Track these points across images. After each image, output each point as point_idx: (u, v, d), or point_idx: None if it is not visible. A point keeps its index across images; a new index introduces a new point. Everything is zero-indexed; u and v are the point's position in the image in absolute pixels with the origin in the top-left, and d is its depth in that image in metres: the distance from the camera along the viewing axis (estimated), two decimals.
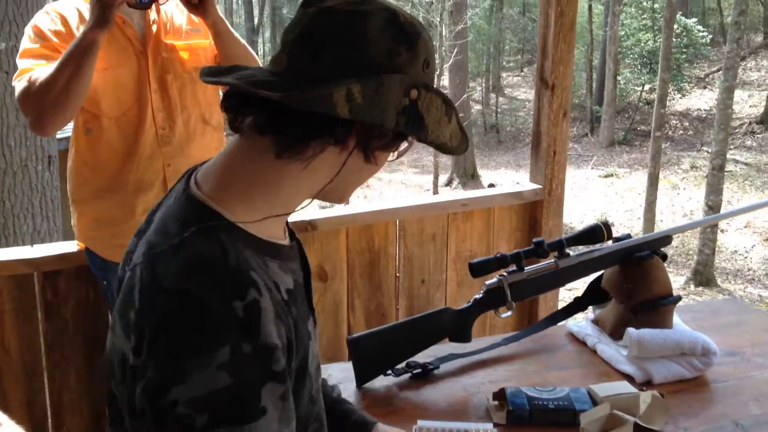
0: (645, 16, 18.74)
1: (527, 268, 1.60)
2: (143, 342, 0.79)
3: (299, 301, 0.93)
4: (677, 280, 10.92)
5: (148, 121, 1.91)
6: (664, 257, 1.64)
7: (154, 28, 1.92)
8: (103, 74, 1.85)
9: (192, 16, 1.97)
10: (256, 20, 26.22)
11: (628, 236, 1.65)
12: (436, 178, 15.38)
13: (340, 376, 1.55)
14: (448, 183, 18.08)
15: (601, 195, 15.68)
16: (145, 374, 0.78)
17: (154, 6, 1.90)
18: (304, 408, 0.94)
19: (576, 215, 14.36)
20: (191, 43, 1.97)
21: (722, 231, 12.72)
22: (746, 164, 15.54)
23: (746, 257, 12.20)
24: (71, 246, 2.12)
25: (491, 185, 17.56)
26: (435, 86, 0.91)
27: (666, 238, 1.63)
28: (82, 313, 2.15)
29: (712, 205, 10.30)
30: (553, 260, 1.61)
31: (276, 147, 0.86)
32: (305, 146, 0.85)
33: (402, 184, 18.57)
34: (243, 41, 2.00)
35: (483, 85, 22.66)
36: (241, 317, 0.78)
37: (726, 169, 13.86)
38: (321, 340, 2.39)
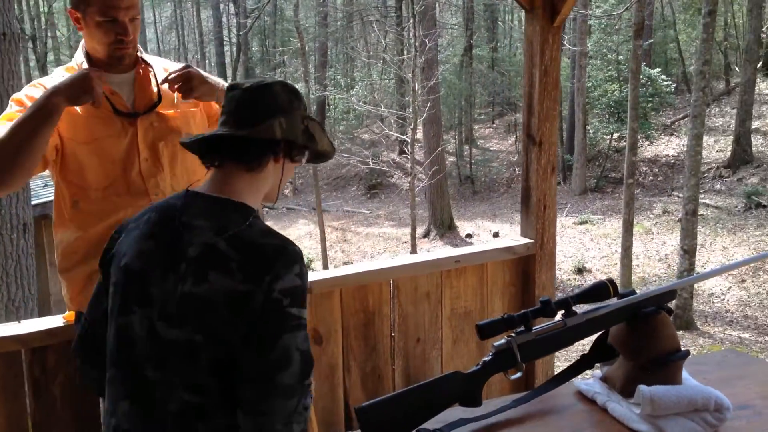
0: (610, 67, 19.29)
1: (535, 328, 1.58)
2: (254, 273, 1.31)
3: None
4: None
5: (139, 187, 1.88)
6: (670, 312, 1.64)
7: (142, 95, 1.92)
8: (89, 147, 1.84)
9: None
10: (229, 81, 26.46)
11: (633, 292, 1.65)
12: (413, 230, 15.40)
13: None
14: (426, 235, 18.13)
15: (576, 242, 15.81)
16: (262, 286, 1.31)
17: (138, 73, 1.91)
18: None
19: None
20: (183, 110, 1.97)
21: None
22: (717, 208, 15.82)
23: (723, 299, 12.32)
24: (59, 320, 2.06)
25: (468, 236, 17.63)
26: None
27: (671, 293, 1.63)
28: (71, 389, 2.07)
29: (688, 249, 10.42)
30: (560, 319, 1.59)
31: (246, 166, 1.43)
32: (261, 160, 1.43)
33: (379, 237, 18.57)
34: None
35: (456, 137, 22.98)
36: (300, 252, 1.39)
37: (698, 213, 14.12)
38: (316, 406, 2.33)
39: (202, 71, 1.93)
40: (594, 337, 1.73)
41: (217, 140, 1.42)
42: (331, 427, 2.45)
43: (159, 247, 1.38)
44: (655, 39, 21.06)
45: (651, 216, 16.52)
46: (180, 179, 1.95)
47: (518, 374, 1.57)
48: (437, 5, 20.89)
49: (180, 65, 2.00)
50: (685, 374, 1.67)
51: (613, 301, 1.63)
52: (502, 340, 1.57)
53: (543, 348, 1.58)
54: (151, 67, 1.95)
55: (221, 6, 27.36)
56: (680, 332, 10.65)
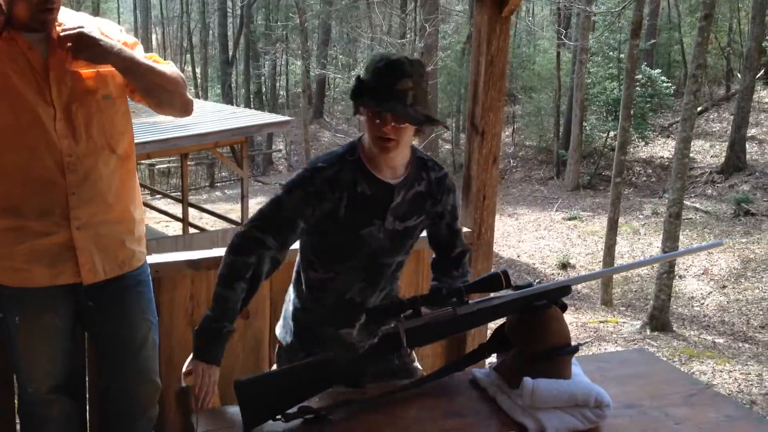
0: (611, 65, 19.19)
1: (425, 314, 1.59)
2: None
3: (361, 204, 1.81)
4: (634, 324, 11.00)
5: (52, 148, 1.85)
6: (564, 307, 1.64)
7: (56, 54, 1.86)
8: (1, 92, 1.80)
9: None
10: (230, 53, 26.32)
11: (530, 285, 1.65)
12: None
13: (227, 420, 1.52)
14: None
15: (564, 237, 15.83)
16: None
17: (55, 31, 1.85)
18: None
19: (538, 257, 14.48)
20: (99, 70, 1.92)
21: (680, 277, 12.89)
22: (706, 212, 15.83)
23: (702, 303, 12.36)
24: None
25: None
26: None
27: (565, 288, 1.64)
28: None
29: (668, 252, 10.43)
30: (451, 307, 1.59)
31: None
32: None
33: None
34: (154, 65, 1.95)
35: (453, 125, 22.90)
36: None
37: (686, 217, 14.10)
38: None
39: (96, 34, 1.85)
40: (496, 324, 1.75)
41: None
42: None
43: None
44: (660, 40, 20.95)
45: (640, 216, 16.54)
46: (97, 141, 1.92)
47: (405, 360, 1.58)
48: None
49: (91, 20, 1.96)
50: (577, 370, 1.68)
51: (509, 292, 1.63)
52: (390, 325, 1.57)
53: (431, 334, 1.59)
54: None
55: None
56: (655, 333, 10.70)
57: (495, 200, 2.67)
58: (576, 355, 1.68)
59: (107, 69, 1.92)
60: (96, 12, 18.13)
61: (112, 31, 1.98)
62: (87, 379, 2.21)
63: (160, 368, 2.14)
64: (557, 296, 1.63)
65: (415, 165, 1.86)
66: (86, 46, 1.80)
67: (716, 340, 10.90)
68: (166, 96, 1.99)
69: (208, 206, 15.85)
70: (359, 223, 1.80)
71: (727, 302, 12.25)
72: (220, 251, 2.41)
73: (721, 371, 8.33)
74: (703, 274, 13.22)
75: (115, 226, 1.96)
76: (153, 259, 2.22)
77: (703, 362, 8.72)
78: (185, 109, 2.07)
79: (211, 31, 29.06)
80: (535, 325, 1.60)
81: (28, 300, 1.89)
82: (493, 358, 1.79)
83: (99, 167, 1.91)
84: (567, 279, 1.67)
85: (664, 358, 8.67)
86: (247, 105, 24.16)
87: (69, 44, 1.80)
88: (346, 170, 1.79)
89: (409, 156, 1.84)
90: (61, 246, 1.88)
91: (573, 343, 1.64)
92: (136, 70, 1.90)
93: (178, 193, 14.38)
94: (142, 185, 14.80)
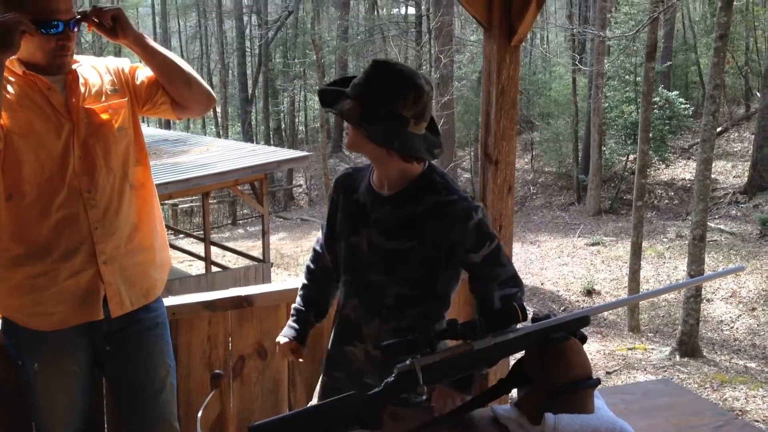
0: (628, 88, 19.15)
1: (441, 350, 1.56)
2: None
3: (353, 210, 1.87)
4: (663, 350, 10.79)
5: (73, 186, 1.89)
6: (583, 339, 1.61)
7: (74, 93, 1.92)
8: (27, 140, 1.84)
9: (108, 73, 1.98)
10: (250, 91, 26.70)
11: (548, 316, 1.62)
12: None
13: None
14: None
15: (587, 263, 15.65)
16: None
17: (70, 72, 1.91)
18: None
19: (562, 284, 14.31)
20: (111, 103, 1.97)
21: (708, 301, 12.66)
22: (731, 234, 15.60)
23: (732, 327, 12.10)
24: None
25: None
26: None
27: (583, 319, 1.60)
28: (4, 393, 2.08)
29: (694, 275, 10.26)
30: (468, 341, 1.56)
31: None
32: None
33: None
34: (169, 51, 2.03)
35: (471, 154, 22.92)
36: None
37: (711, 239, 13.88)
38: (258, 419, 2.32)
39: None
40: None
41: None
42: None
43: None
44: (676, 62, 20.88)
45: (664, 240, 16.33)
46: (116, 173, 1.96)
47: (422, 398, 1.54)
48: (455, 22, 20.92)
49: (98, 59, 2.05)
50: (600, 403, 1.63)
51: (527, 325, 1.60)
52: (406, 362, 1.54)
53: (448, 370, 1.55)
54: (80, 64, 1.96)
55: (244, 18, 27.66)
56: (685, 359, 10.48)
57: (512, 229, 2.65)
58: (601, 385, 1.63)
59: (117, 101, 1.97)
60: (118, 54, 18.59)
61: (118, 64, 2.06)
62: (105, 426, 2.19)
63: (178, 412, 2.12)
64: (575, 327, 1.59)
65: (417, 184, 1.80)
66: (121, 16, 1.89)
67: (748, 365, 10.64)
68: (185, 78, 2.02)
69: (230, 244, 15.95)
70: (348, 229, 1.86)
71: (758, 325, 11.98)
72: (237, 291, 2.42)
73: (754, 397, 8.12)
74: (731, 296, 12.97)
75: (136, 256, 1.98)
76: (169, 301, 2.22)
77: (735, 388, 8.50)
78: (209, 97, 2.10)
79: (230, 71, 29.54)
80: (553, 358, 1.56)
81: (46, 344, 1.90)
82: (514, 393, 1.75)
83: (116, 199, 1.95)
84: (585, 309, 1.63)
85: (696, 385, 8.48)
86: (267, 142, 24.41)
87: (111, 15, 1.88)
88: (359, 176, 1.87)
89: (415, 174, 1.80)
90: (91, 282, 1.90)
91: (598, 373, 1.60)
92: (151, 47, 1.96)
93: (201, 232, 14.50)
94: (165, 226, 14.98)
